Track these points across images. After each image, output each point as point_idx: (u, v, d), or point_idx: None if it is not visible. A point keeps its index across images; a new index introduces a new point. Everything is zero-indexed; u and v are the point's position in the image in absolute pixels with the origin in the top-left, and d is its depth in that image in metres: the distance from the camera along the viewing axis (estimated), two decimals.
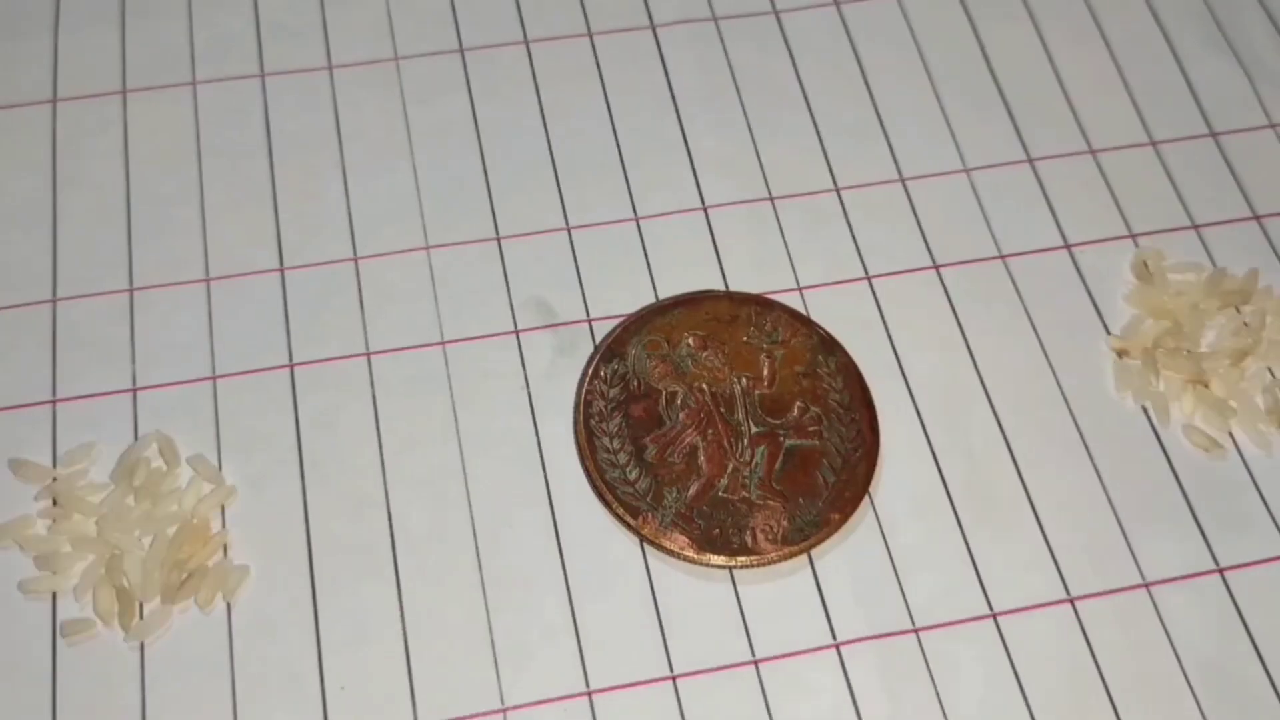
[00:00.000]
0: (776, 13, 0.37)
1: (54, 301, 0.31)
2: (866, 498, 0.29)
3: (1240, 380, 0.30)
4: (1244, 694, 0.27)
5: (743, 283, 0.32)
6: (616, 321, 0.31)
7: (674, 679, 0.27)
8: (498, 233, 0.32)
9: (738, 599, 0.28)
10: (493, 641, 0.27)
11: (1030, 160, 0.34)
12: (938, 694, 0.27)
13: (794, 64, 0.36)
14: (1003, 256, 0.33)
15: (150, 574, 0.27)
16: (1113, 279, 0.32)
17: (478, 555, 0.28)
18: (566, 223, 0.33)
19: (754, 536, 0.28)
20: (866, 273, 0.32)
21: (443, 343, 0.31)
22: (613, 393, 0.30)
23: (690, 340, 0.30)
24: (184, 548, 0.27)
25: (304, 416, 0.29)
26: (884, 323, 0.31)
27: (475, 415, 0.30)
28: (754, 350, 0.30)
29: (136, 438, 0.29)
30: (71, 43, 0.35)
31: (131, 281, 0.31)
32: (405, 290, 0.31)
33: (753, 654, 0.27)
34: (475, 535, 0.28)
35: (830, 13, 0.37)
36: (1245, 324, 0.31)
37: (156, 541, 0.27)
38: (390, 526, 0.28)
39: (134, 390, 0.30)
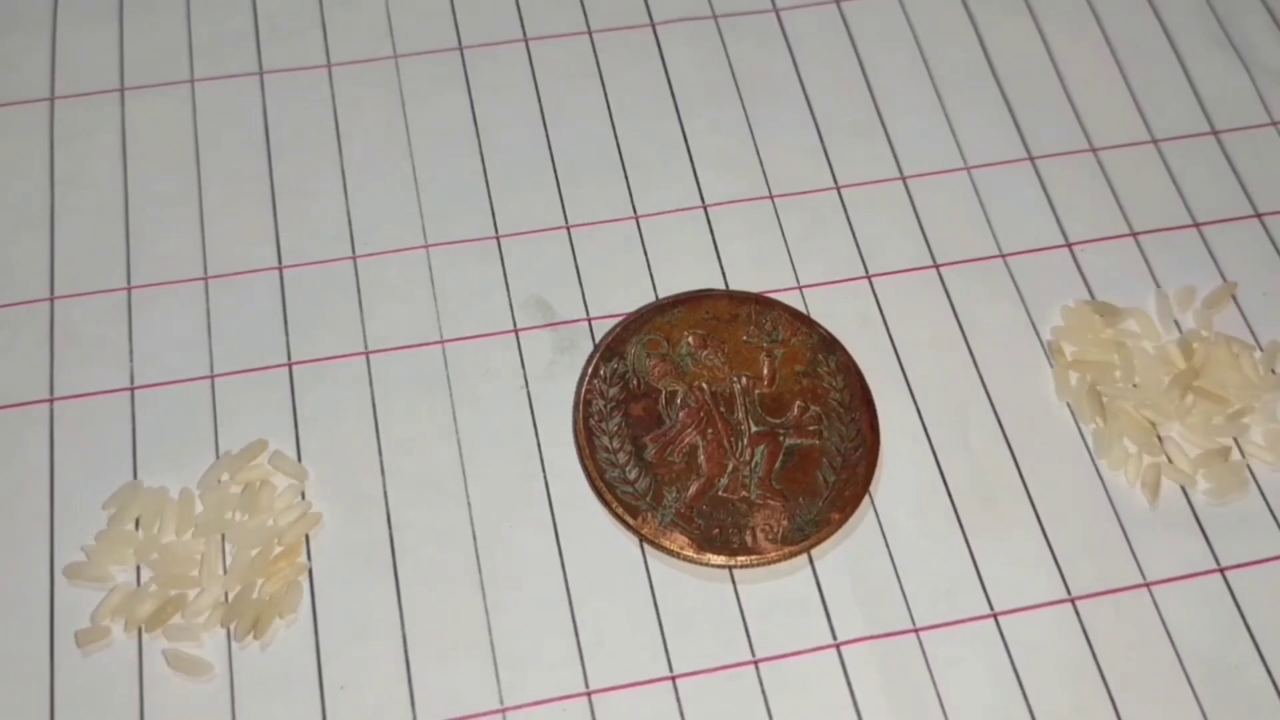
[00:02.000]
0: (776, 10, 0.37)
1: (51, 300, 0.31)
2: (867, 497, 0.29)
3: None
4: (1245, 693, 0.27)
5: (743, 282, 0.32)
6: (616, 320, 0.31)
7: (674, 679, 0.27)
8: (497, 231, 0.32)
9: (738, 599, 0.28)
10: (492, 641, 0.27)
11: (1031, 158, 0.34)
12: (938, 694, 0.27)
13: (794, 62, 0.36)
14: (1003, 255, 0.32)
15: (238, 600, 0.27)
16: (1114, 278, 0.32)
17: (477, 555, 0.28)
18: (566, 221, 0.32)
19: (754, 536, 0.28)
20: (867, 272, 0.32)
21: (442, 342, 0.31)
22: (612, 392, 0.30)
23: (690, 339, 0.30)
24: (266, 570, 0.27)
25: (302, 416, 0.29)
26: (884, 322, 0.31)
27: (474, 414, 0.30)
28: (754, 349, 0.30)
29: (135, 436, 0.29)
30: (69, 40, 0.35)
31: (129, 280, 0.31)
32: (404, 289, 0.31)
33: (753, 654, 0.27)
34: (475, 535, 0.28)
35: (830, 10, 0.37)
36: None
37: (237, 562, 0.27)
38: (390, 526, 0.28)
39: (132, 389, 0.29)
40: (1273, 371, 0.31)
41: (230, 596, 0.27)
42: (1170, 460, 0.29)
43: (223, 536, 0.27)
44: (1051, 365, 0.31)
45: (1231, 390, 0.30)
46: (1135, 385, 0.30)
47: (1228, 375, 0.30)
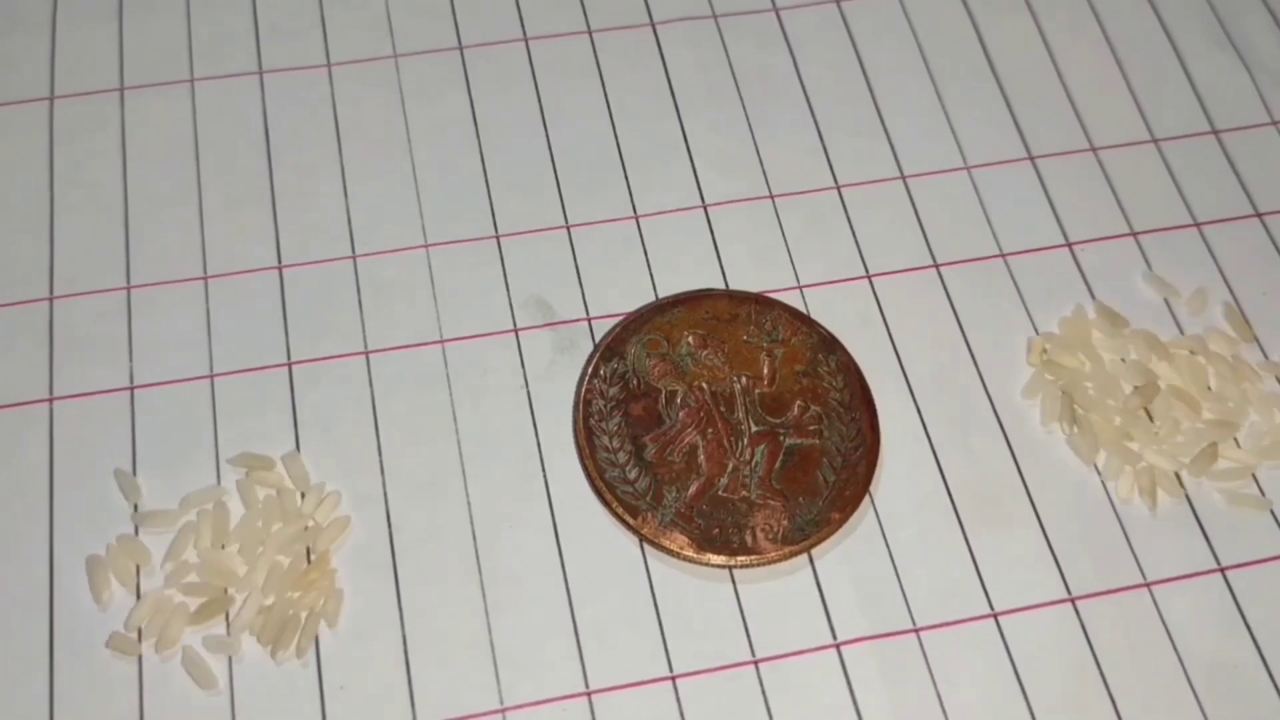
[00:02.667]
0: (777, 10, 0.37)
1: (50, 299, 0.31)
2: (867, 497, 0.29)
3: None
4: (1245, 693, 0.27)
5: (743, 281, 0.32)
6: (616, 320, 0.31)
7: (673, 679, 0.27)
8: (497, 231, 0.32)
9: (738, 598, 0.28)
10: (492, 641, 0.27)
11: (1031, 158, 0.34)
12: (938, 694, 0.27)
13: (794, 61, 0.36)
14: (1004, 255, 0.32)
15: (269, 615, 0.27)
16: (1115, 277, 0.32)
17: (477, 555, 0.28)
18: (566, 221, 0.32)
19: (754, 536, 0.28)
20: (867, 271, 0.32)
21: (441, 341, 0.30)
22: (612, 392, 0.30)
23: (690, 339, 0.30)
24: (299, 583, 0.27)
25: (302, 415, 0.29)
26: (884, 322, 0.31)
27: (474, 414, 0.30)
28: (754, 349, 0.30)
29: (135, 436, 0.29)
30: (69, 39, 0.35)
31: (129, 279, 0.31)
32: (404, 288, 0.31)
33: (753, 654, 0.27)
34: (474, 535, 0.28)
35: (831, 10, 0.37)
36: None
37: (269, 577, 0.27)
38: (389, 526, 0.28)
39: (131, 389, 0.29)
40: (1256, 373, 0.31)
41: (264, 607, 0.27)
42: (1150, 466, 0.29)
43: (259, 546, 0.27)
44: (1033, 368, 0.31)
45: (1213, 393, 0.30)
46: (1107, 395, 0.30)
47: (1215, 379, 0.30)
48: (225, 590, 0.27)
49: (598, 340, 0.31)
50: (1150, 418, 0.29)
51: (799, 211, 0.33)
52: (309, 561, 0.27)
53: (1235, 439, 0.29)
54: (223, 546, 0.27)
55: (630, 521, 0.28)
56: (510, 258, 0.32)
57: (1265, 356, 0.31)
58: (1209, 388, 0.30)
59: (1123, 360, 0.30)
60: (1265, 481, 0.29)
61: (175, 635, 0.26)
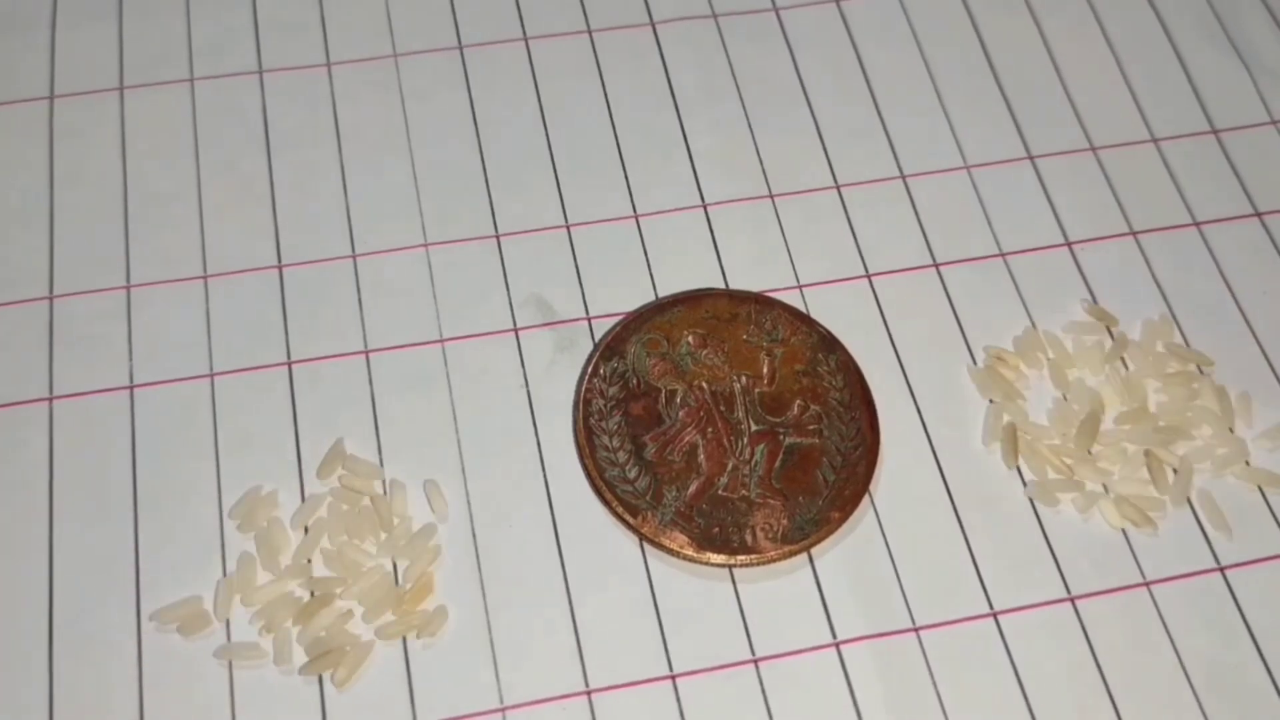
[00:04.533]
0: (776, 9, 0.37)
1: (50, 299, 0.31)
2: (866, 496, 0.29)
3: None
4: (1245, 693, 0.27)
5: (742, 281, 0.32)
6: (616, 319, 0.31)
7: (673, 678, 0.27)
8: (497, 230, 0.32)
9: (737, 598, 0.28)
10: (492, 641, 0.27)
11: (1031, 157, 0.34)
12: (938, 694, 0.27)
13: (794, 61, 0.36)
14: (1003, 254, 0.32)
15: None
16: (1115, 277, 0.32)
17: (476, 555, 0.28)
18: (566, 220, 0.32)
19: (754, 535, 0.28)
20: (867, 270, 0.32)
21: (441, 340, 0.30)
22: (612, 391, 0.30)
23: (690, 338, 0.30)
24: (398, 609, 0.27)
25: (302, 414, 0.29)
26: (884, 321, 0.31)
27: (474, 414, 0.30)
28: (754, 348, 0.30)
29: (134, 435, 0.29)
30: (69, 39, 0.35)
31: (129, 278, 0.31)
32: (404, 288, 0.31)
33: (753, 653, 0.27)
34: (474, 534, 0.28)
35: (830, 9, 0.37)
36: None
37: (372, 589, 0.27)
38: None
39: (131, 388, 0.29)
40: (1204, 371, 0.30)
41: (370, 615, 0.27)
42: (1107, 490, 0.29)
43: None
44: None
45: (1163, 407, 0.30)
46: (1055, 424, 0.30)
47: (1164, 391, 0.30)
48: (335, 592, 0.27)
49: (598, 340, 0.31)
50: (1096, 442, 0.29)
51: (799, 211, 0.33)
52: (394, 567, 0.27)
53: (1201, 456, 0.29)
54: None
55: (630, 521, 0.28)
56: (510, 257, 0.32)
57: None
58: (1157, 400, 0.30)
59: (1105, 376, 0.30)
60: (1238, 489, 0.29)
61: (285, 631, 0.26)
